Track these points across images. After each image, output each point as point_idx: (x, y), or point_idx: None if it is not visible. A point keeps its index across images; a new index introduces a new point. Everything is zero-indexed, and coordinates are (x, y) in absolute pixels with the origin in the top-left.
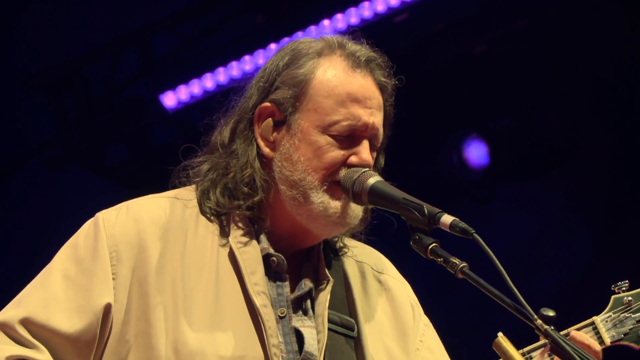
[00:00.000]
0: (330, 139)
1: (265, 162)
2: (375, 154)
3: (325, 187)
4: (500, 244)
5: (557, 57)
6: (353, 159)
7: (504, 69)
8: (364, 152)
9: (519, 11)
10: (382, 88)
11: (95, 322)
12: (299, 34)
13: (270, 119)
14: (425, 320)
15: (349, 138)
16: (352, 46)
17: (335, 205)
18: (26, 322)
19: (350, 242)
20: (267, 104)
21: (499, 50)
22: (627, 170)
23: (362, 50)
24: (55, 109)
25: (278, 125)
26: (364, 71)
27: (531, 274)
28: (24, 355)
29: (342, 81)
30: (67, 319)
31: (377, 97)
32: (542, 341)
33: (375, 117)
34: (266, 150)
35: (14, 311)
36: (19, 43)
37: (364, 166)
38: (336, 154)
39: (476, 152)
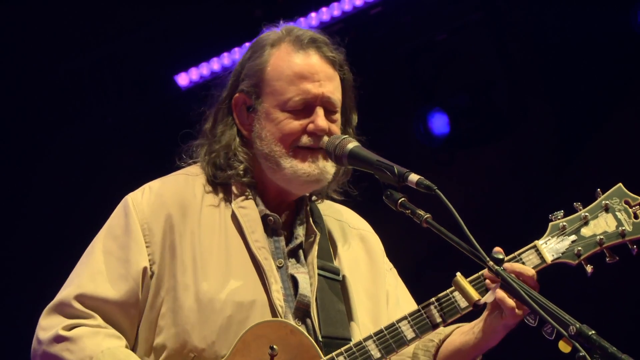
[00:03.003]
0: (287, 114)
1: (247, 142)
2: (337, 116)
3: (291, 153)
4: (459, 199)
5: (506, 42)
6: (310, 127)
7: (461, 53)
8: (318, 119)
9: (475, 5)
10: (332, 61)
11: (136, 286)
12: (290, 24)
13: (243, 105)
14: (388, 265)
15: (305, 110)
16: (298, 31)
17: (302, 166)
18: (80, 297)
19: (328, 203)
20: (238, 94)
21: (458, 38)
22: (565, 136)
23: (306, 33)
24: (86, 90)
25: (249, 110)
26: (309, 51)
27: (484, 223)
28: (79, 323)
29: (289, 64)
30: (112, 288)
31: (324, 70)
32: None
33: (324, 88)
34: (245, 132)
35: (68, 290)
36: (53, 36)
37: (319, 131)
38: (294, 124)
39: (439, 123)
